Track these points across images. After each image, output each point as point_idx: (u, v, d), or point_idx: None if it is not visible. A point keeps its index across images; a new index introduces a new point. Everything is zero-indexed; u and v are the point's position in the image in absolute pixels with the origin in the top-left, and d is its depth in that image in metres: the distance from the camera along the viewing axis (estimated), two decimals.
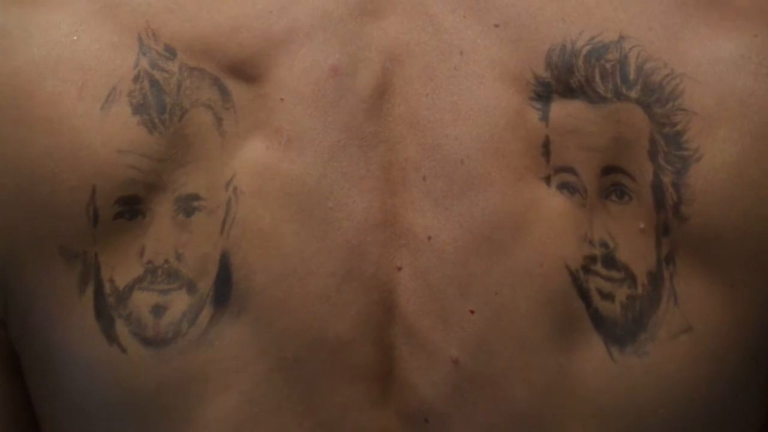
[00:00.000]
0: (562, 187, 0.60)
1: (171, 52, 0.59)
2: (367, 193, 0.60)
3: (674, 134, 0.58)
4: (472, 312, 0.60)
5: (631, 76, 0.59)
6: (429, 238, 0.60)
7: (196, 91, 0.59)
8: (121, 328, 0.59)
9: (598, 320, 0.59)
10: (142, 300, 0.59)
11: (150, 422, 0.60)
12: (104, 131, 0.58)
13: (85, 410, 0.61)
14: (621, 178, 0.59)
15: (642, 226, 0.59)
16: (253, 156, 0.59)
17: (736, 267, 0.59)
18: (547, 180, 0.59)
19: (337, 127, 0.60)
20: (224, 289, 0.59)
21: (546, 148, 0.59)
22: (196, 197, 0.59)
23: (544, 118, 0.59)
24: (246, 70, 0.60)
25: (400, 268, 0.61)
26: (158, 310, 0.59)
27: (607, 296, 0.59)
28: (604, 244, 0.59)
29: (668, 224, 0.59)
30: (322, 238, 0.60)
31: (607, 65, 0.59)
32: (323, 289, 0.60)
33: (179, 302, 0.59)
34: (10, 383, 0.64)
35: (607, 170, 0.59)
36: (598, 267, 0.59)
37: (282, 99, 0.59)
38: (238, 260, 0.59)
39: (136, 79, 0.59)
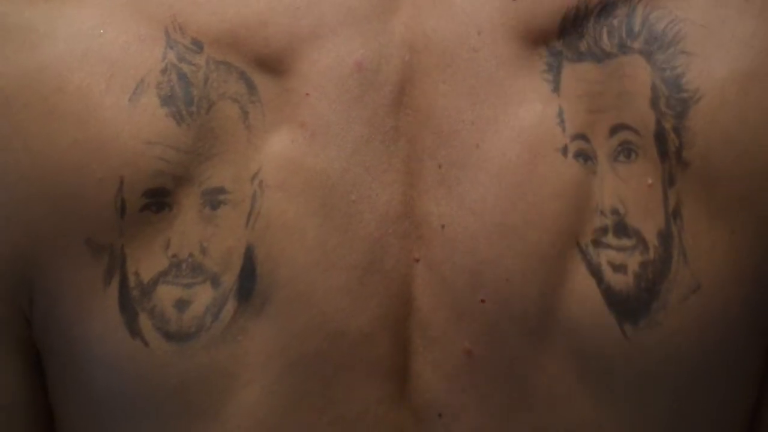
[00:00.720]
0: (578, 155, 0.60)
1: (198, 46, 0.60)
2: (388, 186, 0.61)
3: (674, 77, 0.59)
4: (483, 301, 0.60)
5: (636, 27, 0.59)
6: (442, 227, 0.61)
7: (223, 84, 0.60)
8: (145, 322, 0.59)
9: (610, 296, 0.59)
10: (166, 294, 0.59)
11: (171, 418, 0.60)
12: (132, 123, 0.59)
13: (106, 406, 0.61)
14: (627, 135, 0.59)
15: (650, 181, 0.59)
16: (278, 150, 0.60)
17: (735, 210, 0.59)
18: (564, 150, 0.60)
19: (360, 122, 0.60)
20: (248, 283, 0.59)
21: (560, 117, 0.60)
22: (222, 190, 0.59)
23: (556, 89, 0.60)
24: (272, 65, 0.61)
25: (417, 260, 0.61)
26: (182, 304, 0.59)
27: (619, 268, 0.59)
28: (615, 211, 0.59)
29: (673, 173, 0.59)
30: (345, 231, 0.60)
31: (615, 21, 0.59)
32: (345, 281, 0.60)
33: (203, 296, 0.59)
34: (31, 383, 0.63)
35: (614, 130, 0.59)
36: (609, 238, 0.59)
37: (307, 94, 0.60)
38: (263, 254, 0.59)
39: (164, 71, 0.59)
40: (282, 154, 0.60)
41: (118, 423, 0.61)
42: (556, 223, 0.59)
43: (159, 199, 0.58)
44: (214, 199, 0.59)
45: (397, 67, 0.61)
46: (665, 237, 0.59)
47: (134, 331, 0.59)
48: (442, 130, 0.61)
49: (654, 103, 0.59)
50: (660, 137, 0.59)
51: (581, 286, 0.59)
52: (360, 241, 0.60)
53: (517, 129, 0.60)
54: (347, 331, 0.60)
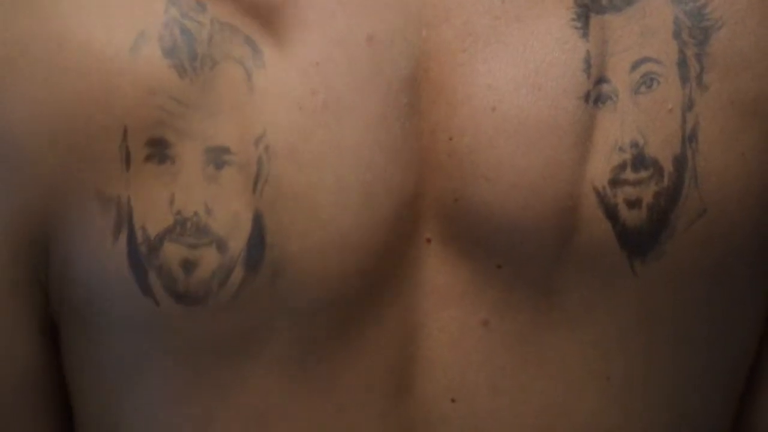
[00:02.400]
0: (598, 99, 0.60)
1: (201, 6, 0.59)
2: (403, 167, 0.60)
3: (697, 9, 0.60)
4: (499, 267, 0.60)
5: None
6: (455, 200, 0.60)
7: (227, 45, 0.59)
8: (154, 280, 0.58)
9: (624, 236, 0.60)
10: (173, 252, 0.58)
11: (180, 384, 0.60)
12: (134, 72, 0.58)
13: (118, 371, 0.61)
14: (650, 66, 0.60)
15: (670, 106, 0.60)
16: (284, 115, 0.58)
17: (747, 132, 0.60)
18: (587, 96, 0.59)
19: (374, 98, 0.59)
20: (257, 251, 0.58)
21: (587, 62, 0.60)
22: (226, 150, 0.58)
23: (585, 34, 0.60)
24: (279, 32, 0.59)
25: (429, 240, 0.60)
26: (188, 265, 0.58)
27: (635, 204, 0.59)
28: (635, 144, 0.59)
29: (692, 96, 0.60)
30: (361, 213, 0.59)
31: None
32: (360, 264, 0.59)
33: (209, 259, 0.58)
34: (46, 353, 0.64)
35: (636, 64, 0.60)
36: (627, 173, 0.59)
37: (317, 63, 0.59)
38: (273, 223, 0.58)
39: (166, 25, 0.59)
40: (289, 119, 0.58)
41: (128, 388, 0.61)
42: (575, 172, 0.59)
43: (161, 150, 0.58)
44: (218, 158, 0.58)
45: (413, 43, 0.60)
46: (680, 161, 0.60)
47: (145, 288, 0.59)
48: (456, 98, 0.60)
49: (677, 34, 0.60)
50: (681, 65, 0.60)
51: (597, 233, 0.60)
52: (377, 225, 0.59)
53: (538, 84, 0.59)
54: (359, 315, 0.60)
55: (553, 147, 0.59)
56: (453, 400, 0.61)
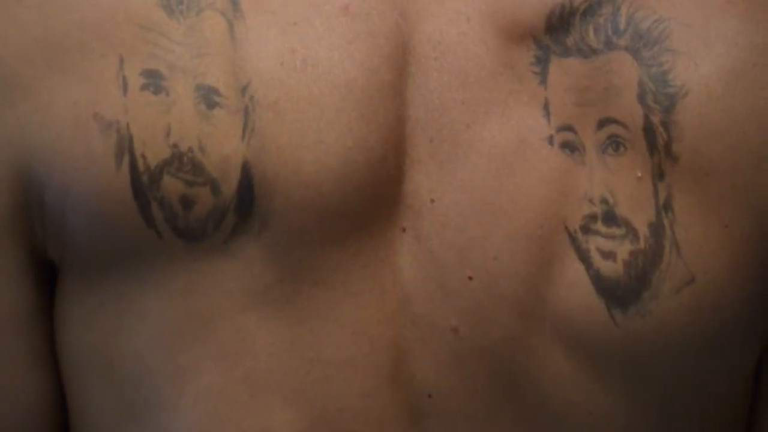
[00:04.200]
0: (564, 146, 0.61)
1: None
2: (383, 142, 0.61)
3: (661, 73, 0.60)
4: (470, 279, 0.60)
5: (622, 25, 0.61)
6: (432, 201, 0.61)
7: None
8: (157, 212, 0.60)
9: (599, 282, 0.60)
10: (172, 186, 0.60)
11: (174, 323, 0.61)
12: (125, 7, 0.60)
13: (117, 306, 0.62)
14: (615, 128, 0.60)
15: (639, 174, 0.60)
16: (267, 68, 0.60)
17: (727, 203, 0.60)
18: (550, 140, 0.61)
19: (354, 64, 0.61)
20: (247, 200, 0.60)
21: (546, 109, 0.61)
22: (215, 91, 0.60)
23: (543, 82, 0.61)
24: None
25: (404, 229, 0.62)
26: (186, 202, 0.60)
27: (608, 255, 0.60)
28: (605, 201, 0.60)
29: (662, 167, 0.60)
30: (341, 178, 0.60)
31: (600, 19, 0.61)
32: (337, 231, 0.61)
33: (205, 200, 0.60)
34: (41, 298, 0.65)
35: (602, 123, 0.60)
36: (599, 225, 0.60)
37: (295, 23, 0.61)
38: (259, 174, 0.60)
39: None
40: (271, 73, 0.60)
41: (125, 328, 0.62)
42: (543, 206, 0.60)
43: (156, 81, 0.60)
44: (209, 98, 0.60)
45: (389, 22, 0.61)
46: (656, 228, 0.60)
47: (149, 219, 0.60)
48: (434, 104, 0.61)
49: (641, 97, 0.60)
50: (648, 131, 0.60)
51: (570, 270, 0.60)
52: (354, 192, 0.60)
53: (507, 115, 0.61)
54: (335, 282, 0.61)
55: (521, 177, 0.60)
56: (429, 396, 0.62)
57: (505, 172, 0.61)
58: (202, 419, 0.62)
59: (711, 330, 0.61)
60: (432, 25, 0.62)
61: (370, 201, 0.61)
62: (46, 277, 0.65)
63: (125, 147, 0.60)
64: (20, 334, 0.64)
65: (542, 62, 0.61)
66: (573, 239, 0.60)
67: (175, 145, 0.59)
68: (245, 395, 0.62)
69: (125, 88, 0.60)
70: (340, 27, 0.61)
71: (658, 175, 0.60)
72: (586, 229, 0.60)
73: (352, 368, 0.62)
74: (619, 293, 0.60)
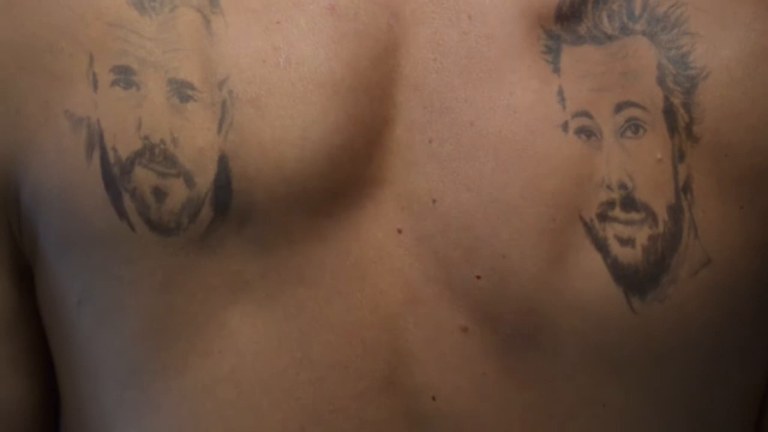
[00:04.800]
0: (580, 132, 0.60)
1: None
2: (370, 144, 0.60)
3: (680, 56, 0.60)
4: (478, 277, 0.60)
5: (637, 11, 0.60)
6: (434, 201, 0.60)
7: None
8: (129, 204, 0.59)
9: (617, 270, 0.59)
10: (143, 177, 0.59)
11: (155, 320, 0.61)
12: (95, 6, 0.60)
13: (95, 304, 0.62)
14: (634, 111, 0.60)
15: (659, 156, 0.59)
16: (247, 64, 0.59)
17: (745, 184, 0.60)
18: (565, 126, 0.60)
19: (341, 64, 0.60)
20: (224, 194, 0.59)
21: (561, 96, 0.60)
22: (189, 85, 0.59)
23: (556, 69, 0.60)
24: None
25: (400, 231, 0.60)
26: (159, 193, 0.59)
27: (627, 242, 0.59)
28: (623, 185, 0.59)
29: (683, 148, 0.60)
30: (326, 176, 0.59)
31: (614, 6, 0.61)
32: (322, 231, 0.60)
33: (178, 191, 0.59)
34: (23, 298, 0.65)
35: (620, 107, 0.60)
36: (617, 212, 0.59)
37: (278, 22, 0.60)
38: (238, 168, 0.59)
39: None
40: (252, 69, 0.59)
41: (104, 325, 0.62)
42: (556, 198, 0.59)
43: (127, 77, 0.60)
44: (182, 91, 0.59)
45: (378, 23, 0.60)
46: (675, 211, 0.59)
47: (121, 211, 0.60)
48: (434, 105, 0.60)
49: (661, 80, 0.60)
50: (669, 113, 0.59)
51: (585, 261, 0.59)
52: (341, 191, 0.60)
53: (513, 107, 0.60)
54: (323, 282, 0.60)
55: (531, 169, 0.59)
56: (434, 398, 0.60)
57: (514, 166, 0.59)
58: (189, 417, 0.61)
59: (726, 311, 0.60)
60: (430, 26, 0.61)
61: (356, 201, 0.60)
62: (29, 280, 0.65)
63: (96, 141, 0.60)
64: (1, 341, 0.65)
65: (553, 51, 0.60)
66: (589, 229, 0.59)
67: (146, 137, 0.59)
68: (232, 393, 0.61)
69: (95, 85, 0.60)
70: (326, 27, 0.60)
71: (679, 156, 0.59)
72: (603, 217, 0.59)
73: (344, 370, 0.60)
74: (637, 280, 0.59)
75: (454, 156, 0.60)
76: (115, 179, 0.59)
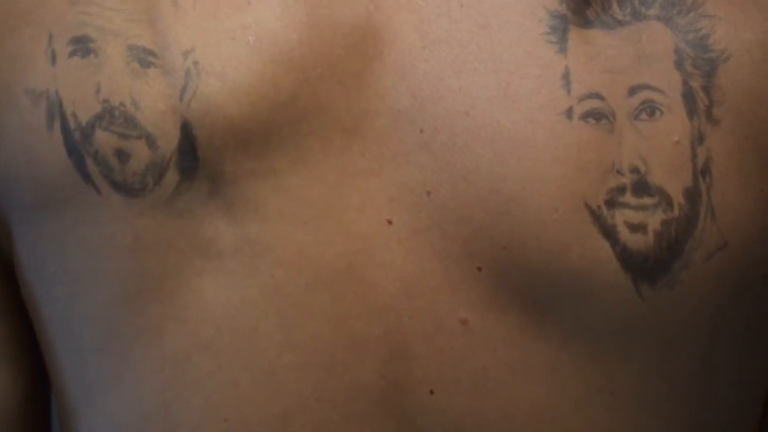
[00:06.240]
0: (587, 116, 0.58)
1: None
2: (347, 134, 0.59)
3: (699, 39, 0.59)
4: (479, 269, 0.58)
5: None
6: (428, 193, 0.58)
7: None
8: (92, 167, 0.59)
9: (626, 258, 0.58)
10: (105, 140, 0.59)
11: (128, 282, 0.60)
12: None
13: (70, 274, 0.62)
14: (650, 94, 0.58)
15: (676, 138, 0.58)
16: (215, 39, 0.58)
17: (766, 167, 0.59)
18: (569, 112, 0.57)
19: (313, 51, 0.58)
20: (189, 160, 0.58)
21: (566, 78, 0.58)
22: (150, 52, 0.59)
23: (562, 49, 0.58)
24: None
25: (390, 222, 0.59)
26: (121, 155, 0.59)
27: (638, 228, 0.58)
28: (635, 169, 0.58)
29: (702, 130, 0.58)
30: (298, 161, 0.59)
31: None
32: (300, 215, 0.59)
33: (141, 153, 0.59)
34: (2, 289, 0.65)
35: (634, 89, 0.58)
36: (627, 197, 0.58)
37: (249, 3, 0.59)
38: (203, 137, 0.58)
39: None
40: (221, 45, 0.58)
41: (80, 295, 0.61)
42: (559, 187, 0.57)
43: (84, 45, 0.60)
44: (142, 57, 0.59)
45: (355, 10, 0.59)
46: (692, 194, 0.58)
47: (85, 176, 0.59)
48: (424, 94, 0.58)
49: (679, 64, 0.58)
50: (688, 96, 0.58)
51: (592, 250, 0.57)
52: (315, 178, 0.59)
53: (511, 97, 0.58)
54: (300, 268, 0.59)
55: (532, 160, 0.57)
56: (432, 392, 0.59)
57: (513, 157, 0.57)
58: (170, 384, 0.60)
59: (738, 296, 0.59)
60: (417, 15, 0.59)
61: (334, 189, 0.59)
62: (10, 271, 0.65)
63: (56, 111, 0.60)
64: None
65: (559, 31, 0.58)
66: (596, 217, 0.57)
67: (105, 101, 0.59)
68: (212, 365, 0.60)
69: (53, 59, 0.60)
70: (298, 12, 0.58)
71: (698, 139, 0.58)
72: (611, 203, 0.57)
73: (330, 359, 0.59)
74: (647, 266, 0.58)
75: (448, 146, 0.58)
76: (76, 144, 0.59)
